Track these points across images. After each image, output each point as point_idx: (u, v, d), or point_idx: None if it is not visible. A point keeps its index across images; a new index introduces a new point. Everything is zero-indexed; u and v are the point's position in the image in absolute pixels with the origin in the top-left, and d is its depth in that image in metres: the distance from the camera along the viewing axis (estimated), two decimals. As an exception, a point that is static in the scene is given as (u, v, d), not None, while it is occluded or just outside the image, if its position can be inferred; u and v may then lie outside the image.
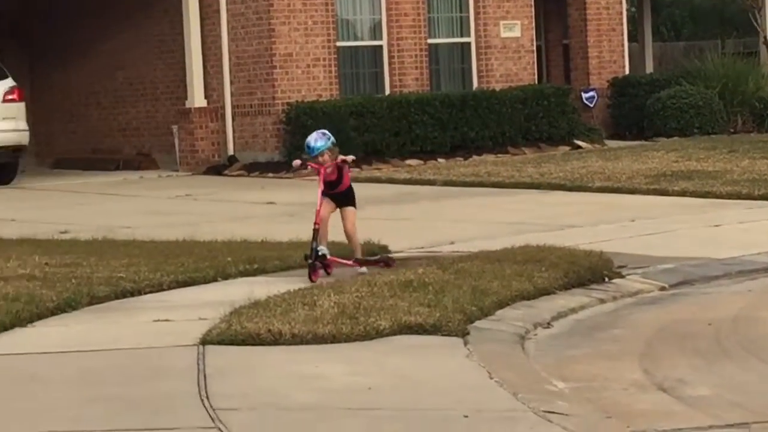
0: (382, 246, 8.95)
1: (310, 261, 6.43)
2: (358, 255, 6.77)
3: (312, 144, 6.74)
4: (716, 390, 5.18)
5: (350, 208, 6.88)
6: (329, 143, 6.72)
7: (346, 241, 7.09)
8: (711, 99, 17.13)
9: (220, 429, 3.99)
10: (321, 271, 6.68)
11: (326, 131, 6.99)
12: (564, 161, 14.93)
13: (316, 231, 6.59)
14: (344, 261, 6.81)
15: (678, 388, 5.20)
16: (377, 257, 6.98)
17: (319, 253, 6.55)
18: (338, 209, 6.94)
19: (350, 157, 6.99)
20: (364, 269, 6.62)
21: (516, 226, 10.38)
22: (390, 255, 7.19)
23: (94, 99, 15.27)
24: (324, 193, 6.79)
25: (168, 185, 13.95)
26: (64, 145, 15.99)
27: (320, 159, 6.67)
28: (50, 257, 8.58)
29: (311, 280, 6.42)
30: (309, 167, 6.96)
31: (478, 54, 15.73)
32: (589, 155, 15.31)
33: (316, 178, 7.00)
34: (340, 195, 6.91)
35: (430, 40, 15.49)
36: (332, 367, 5.28)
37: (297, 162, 7.02)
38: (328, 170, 6.74)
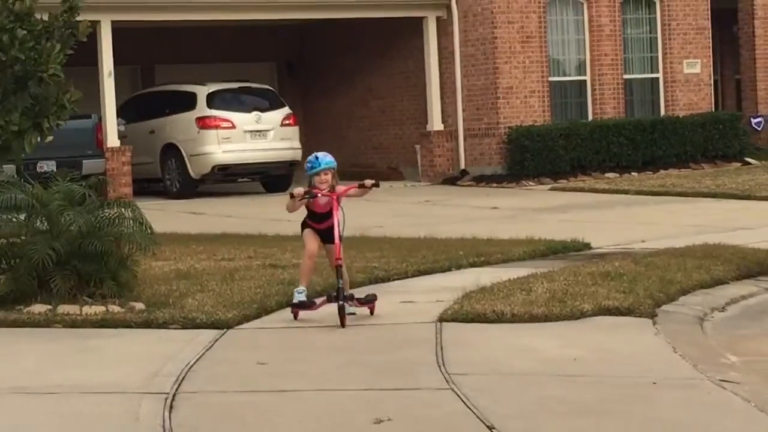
0: (585, 243, 9.79)
1: (340, 303, 5.52)
2: (348, 290, 5.88)
3: (321, 157, 6.00)
4: None
5: (334, 245, 5.97)
6: (334, 164, 6.06)
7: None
8: None
9: (453, 389, 4.38)
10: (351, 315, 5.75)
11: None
12: (736, 175, 16.05)
13: (339, 268, 5.73)
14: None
15: None
16: (365, 298, 5.95)
17: (346, 294, 5.71)
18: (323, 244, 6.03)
19: (369, 182, 6.16)
20: (354, 311, 5.75)
21: (696, 228, 10.92)
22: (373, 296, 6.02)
23: (353, 123, 17.50)
24: (308, 225, 6.03)
25: (412, 193, 15.47)
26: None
27: (322, 176, 5.90)
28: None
29: (342, 325, 5.50)
30: (310, 192, 5.84)
31: (665, 87, 17.66)
32: (756, 170, 16.51)
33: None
34: (324, 231, 6.03)
35: (625, 76, 17.34)
36: (544, 342, 5.69)
37: (299, 190, 5.94)
38: (322, 199, 5.88)
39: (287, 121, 15.59)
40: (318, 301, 5.81)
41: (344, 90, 18.38)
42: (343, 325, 5.42)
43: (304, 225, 6.03)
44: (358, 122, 17.95)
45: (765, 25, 18.81)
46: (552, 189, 15.30)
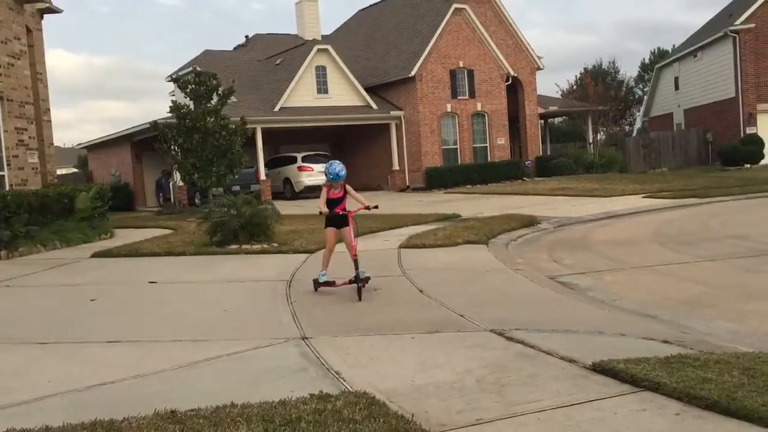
0: (458, 214, 16.99)
1: (359, 285, 7.77)
2: (362, 272, 7.91)
3: (339, 172, 8.06)
4: (575, 261, 10.79)
5: (350, 241, 7.95)
6: (344, 176, 8.14)
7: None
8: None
9: (405, 276, 8.91)
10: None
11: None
12: (519, 185, 27.99)
13: (356, 261, 7.95)
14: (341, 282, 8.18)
15: (560, 260, 10.88)
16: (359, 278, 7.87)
17: (361, 276, 7.80)
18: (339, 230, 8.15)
19: (371, 205, 8.26)
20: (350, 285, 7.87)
21: (504, 207, 18.66)
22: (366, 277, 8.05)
23: (362, 166, 32.59)
24: (328, 222, 8.16)
25: (386, 195, 30.52)
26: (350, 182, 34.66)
27: (336, 184, 8.04)
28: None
29: (359, 299, 7.74)
30: (333, 211, 8.10)
31: (490, 150, 32.69)
32: (528, 183, 28.43)
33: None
34: (339, 218, 8.02)
35: (474, 145, 32.64)
36: (442, 255, 10.74)
37: (326, 210, 8.14)
38: (335, 187, 8.09)
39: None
40: (339, 281, 8.01)
41: (359, 152, 33.62)
42: (360, 299, 7.54)
43: (326, 223, 8.16)
44: (364, 165, 32.56)
45: (530, 124, 34.10)
46: (445, 193, 27.27)
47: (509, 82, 33.88)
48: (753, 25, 34.89)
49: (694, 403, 4.17)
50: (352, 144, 34.33)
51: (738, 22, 35.25)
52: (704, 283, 9.25)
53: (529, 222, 16.09)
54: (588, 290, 8.95)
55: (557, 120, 52.36)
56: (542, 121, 37.82)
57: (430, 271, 9.72)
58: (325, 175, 8.15)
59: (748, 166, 33.29)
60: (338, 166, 8.08)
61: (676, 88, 43.30)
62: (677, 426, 3.95)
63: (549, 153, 37.51)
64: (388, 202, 22.91)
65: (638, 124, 51.60)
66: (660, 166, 37.09)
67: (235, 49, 39.56)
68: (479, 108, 32.80)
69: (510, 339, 5.95)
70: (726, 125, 36.25)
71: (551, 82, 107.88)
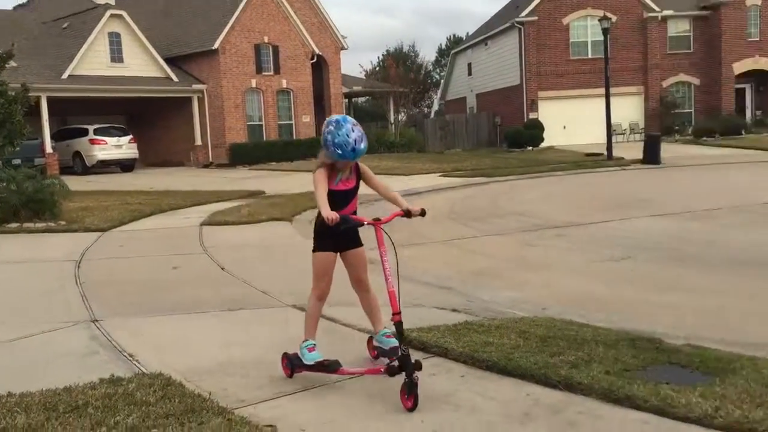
0: (262, 191, 18.25)
1: (410, 379, 3.80)
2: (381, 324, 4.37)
3: (360, 143, 4.02)
4: None
5: (361, 253, 4.34)
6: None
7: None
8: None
9: (206, 254, 8.96)
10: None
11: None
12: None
13: (399, 324, 4.01)
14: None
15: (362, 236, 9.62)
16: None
17: (405, 354, 3.82)
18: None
19: (416, 209, 4.45)
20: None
21: (298, 185, 21.40)
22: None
23: (162, 140, 32.04)
24: (323, 242, 4.24)
25: (189, 172, 29.97)
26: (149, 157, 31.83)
27: (347, 165, 4.12)
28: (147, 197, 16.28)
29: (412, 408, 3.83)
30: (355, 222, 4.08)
31: (295, 127, 32.99)
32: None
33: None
34: (348, 231, 4.15)
35: (279, 122, 33.06)
36: (246, 232, 10.85)
37: (334, 217, 3.92)
38: (345, 171, 4.24)
39: (131, 140, 28.87)
40: (350, 368, 4.20)
41: (159, 125, 32.63)
42: (413, 406, 3.73)
43: (318, 242, 4.25)
44: (164, 140, 32.19)
45: (335, 103, 35.86)
46: (250, 169, 27.57)
47: (314, 60, 34.14)
48: (536, 18, 37.89)
49: (477, 365, 4.50)
50: (150, 117, 32.97)
51: (523, 14, 37.79)
52: (491, 256, 10.03)
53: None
54: (384, 264, 9.21)
55: (361, 100, 53.61)
56: (347, 100, 38.63)
57: (233, 249, 9.80)
58: (326, 145, 4.13)
59: (530, 148, 35.93)
60: (357, 130, 4.10)
61: (470, 73, 45.85)
62: (462, 386, 4.24)
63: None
64: (191, 179, 23.11)
65: (436, 107, 54.36)
66: (455, 147, 39.15)
67: (14, 9, 36.69)
68: (285, 85, 32.84)
69: (311, 313, 5.95)
70: (512, 110, 39.15)
71: (356, 62, 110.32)
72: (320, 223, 4.20)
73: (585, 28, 37.57)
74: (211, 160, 31.73)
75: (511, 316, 5.97)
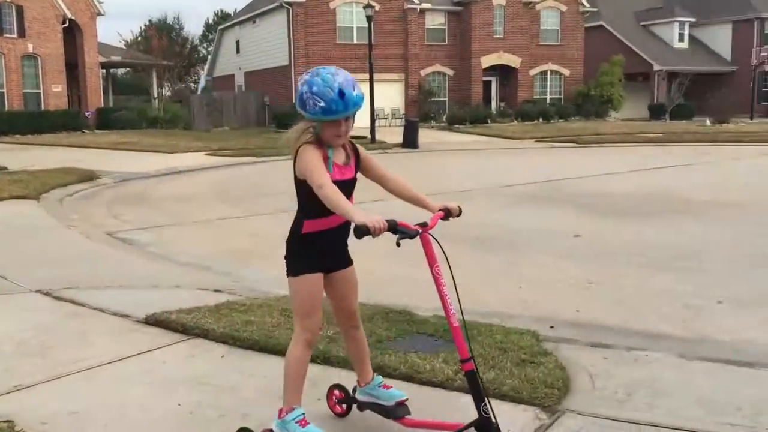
0: (4, 167, 23.16)
1: None
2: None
3: (350, 90, 2.83)
4: (136, 217, 11.20)
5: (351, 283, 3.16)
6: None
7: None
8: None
9: None
10: None
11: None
12: (78, 137, 31.30)
13: (471, 376, 2.91)
14: None
15: (120, 216, 11.31)
16: None
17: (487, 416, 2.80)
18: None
19: (454, 206, 3.36)
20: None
21: (60, 162, 22.36)
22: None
23: None
24: (308, 258, 3.05)
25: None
26: None
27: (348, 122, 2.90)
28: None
29: None
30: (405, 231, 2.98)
31: (44, 98, 30.34)
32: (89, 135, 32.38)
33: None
34: (337, 231, 3.09)
35: (23, 90, 31.12)
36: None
37: (379, 222, 2.90)
38: (340, 157, 3.07)
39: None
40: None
41: None
42: None
43: (301, 262, 3.06)
44: None
45: (90, 73, 33.36)
46: None
47: (66, 24, 31.51)
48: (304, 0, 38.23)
49: (238, 345, 4.53)
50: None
51: (292, -5, 38.08)
52: (257, 236, 9.99)
53: (89, 176, 15.88)
54: (148, 245, 9.03)
55: (121, 71, 50.49)
56: (104, 71, 36.45)
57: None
58: (302, 103, 2.91)
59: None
60: (342, 73, 2.91)
61: (238, 51, 45.16)
62: (222, 366, 4.25)
63: (112, 105, 36.89)
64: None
65: (203, 83, 52.71)
66: (222, 125, 38.41)
67: None
68: (31, 50, 29.99)
69: (59, 299, 5.71)
70: (282, 90, 39.22)
71: (114, 31, 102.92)
72: (309, 235, 2.99)
73: (351, 14, 38.67)
74: None
75: (275, 294, 5.99)
